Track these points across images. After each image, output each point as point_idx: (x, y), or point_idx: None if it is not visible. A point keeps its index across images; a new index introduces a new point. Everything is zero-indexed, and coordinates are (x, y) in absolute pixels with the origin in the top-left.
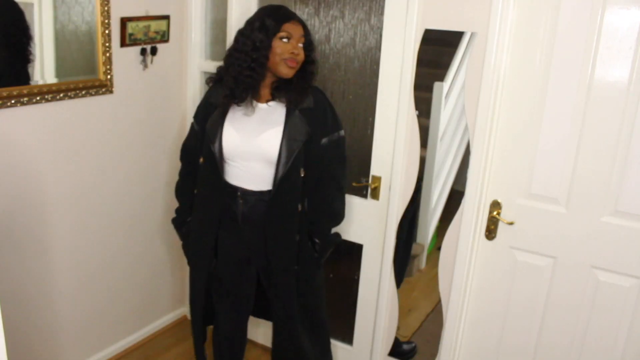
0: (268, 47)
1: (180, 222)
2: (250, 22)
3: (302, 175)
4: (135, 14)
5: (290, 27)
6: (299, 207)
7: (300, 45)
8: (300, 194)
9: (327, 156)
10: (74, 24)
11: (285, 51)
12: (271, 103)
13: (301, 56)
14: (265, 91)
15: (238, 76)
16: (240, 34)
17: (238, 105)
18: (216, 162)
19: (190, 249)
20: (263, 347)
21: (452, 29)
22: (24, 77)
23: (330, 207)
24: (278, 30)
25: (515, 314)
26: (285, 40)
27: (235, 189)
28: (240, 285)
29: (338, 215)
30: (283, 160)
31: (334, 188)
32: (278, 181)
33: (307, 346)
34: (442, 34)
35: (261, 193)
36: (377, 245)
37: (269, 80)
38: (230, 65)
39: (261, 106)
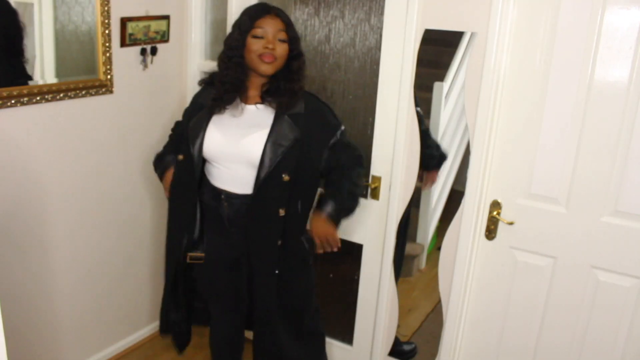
0: (242, 45)
1: (158, 160)
2: (233, 24)
3: (287, 179)
4: (135, 14)
5: (264, 22)
6: (281, 211)
7: (281, 39)
8: (285, 198)
9: (339, 153)
10: (74, 24)
11: (259, 47)
12: (260, 106)
13: (279, 50)
14: (253, 93)
15: (222, 79)
16: (226, 36)
17: (226, 108)
18: (193, 164)
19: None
20: None
21: (452, 29)
22: (19, 77)
23: (356, 161)
24: (251, 26)
25: (515, 314)
26: (259, 36)
27: (219, 192)
28: (232, 286)
29: (362, 163)
30: (266, 163)
31: (356, 163)
32: (259, 184)
33: (288, 350)
34: (442, 34)
35: (245, 196)
36: (377, 245)
37: (256, 80)
38: (218, 68)
39: (249, 108)
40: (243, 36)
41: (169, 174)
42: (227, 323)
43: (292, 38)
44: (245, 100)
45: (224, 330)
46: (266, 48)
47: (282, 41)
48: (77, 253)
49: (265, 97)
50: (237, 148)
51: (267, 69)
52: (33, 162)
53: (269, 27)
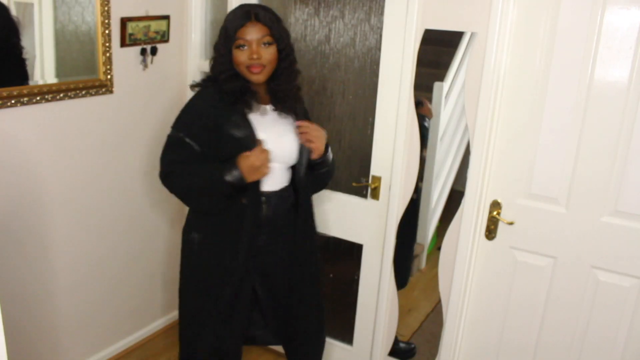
0: (229, 58)
1: (210, 176)
2: (220, 29)
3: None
4: (135, 14)
5: (245, 32)
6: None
7: (266, 42)
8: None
9: None
10: (74, 24)
11: (245, 59)
12: (272, 107)
13: (266, 56)
14: (262, 92)
15: (227, 90)
16: (216, 42)
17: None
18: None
19: (211, 277)
20: (263, 347)
21: (452, 29)
22: (16, 77)
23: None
24: (234, 39)
25: (515, 314)
26: (243, 47)
27: (259, 194)
28: (241, 301)
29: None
30: (303, 160)
31: None
32: (301, 181)
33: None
34: (442, 34)
35: (281, 191)
36: (377, 245)
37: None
38: (212, 73)
39: (267, 107)
40: (228, 48)
41: (245, 156)
42: (232, 338)
43: (279, 38)
44: (260, 100)
45: (226, 347)
46: (252, 59)
47: (268, 44)
48: (77, 253)
49: (275, 104)
50: (280, 147)
51: (258, 78)
52: (33, 162)
53: (252, 35)
